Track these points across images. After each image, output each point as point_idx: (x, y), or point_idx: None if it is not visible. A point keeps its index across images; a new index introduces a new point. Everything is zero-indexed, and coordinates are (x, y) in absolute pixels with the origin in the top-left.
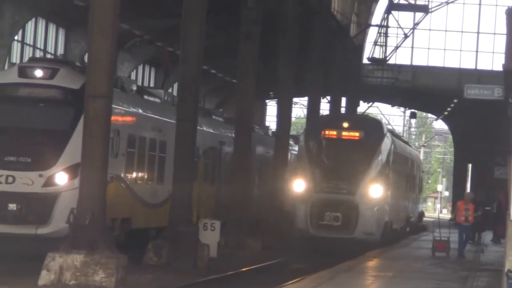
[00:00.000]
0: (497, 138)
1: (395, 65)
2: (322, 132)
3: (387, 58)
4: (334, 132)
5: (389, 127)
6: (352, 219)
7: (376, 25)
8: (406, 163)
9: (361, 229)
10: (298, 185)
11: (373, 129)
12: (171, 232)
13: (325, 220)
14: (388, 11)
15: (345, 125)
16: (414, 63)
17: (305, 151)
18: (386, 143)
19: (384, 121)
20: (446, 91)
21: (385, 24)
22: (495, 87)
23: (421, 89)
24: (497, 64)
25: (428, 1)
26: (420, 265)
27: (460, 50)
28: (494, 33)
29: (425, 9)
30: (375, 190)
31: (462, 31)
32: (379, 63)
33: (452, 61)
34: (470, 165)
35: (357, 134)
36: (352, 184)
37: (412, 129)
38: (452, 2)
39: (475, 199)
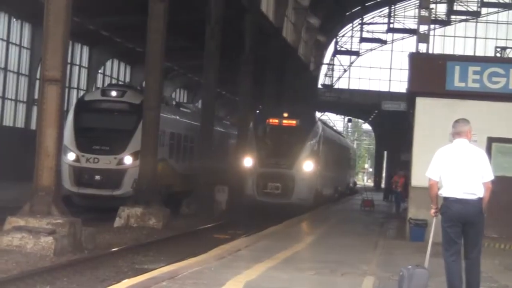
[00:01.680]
0: (403, 134)
1: (338, 89)
2: (267, 120)
3: (333, 84)
4: (276, 120)
5: (334, 127)
6: (289, 188)
7: (326, 64)
8: (336, 146)
9: (296, 195)
10: (248, 162)
11: (306, 118)
12: (197, 193)
13: (268, 189)
14: (334, 54)
15: (285, 114)
16: (350, 87)
17: (253, 135)
18: (317, 129)
19: (329, 122)
20: (371, 105)
21: (332, 62)
22: (401, 102)
23: (355, 104)
24: (402, 88)
25: (359, 49)
26: (353, 215)
27: (379, 80)
28: (401, 69)
29: (357, 53)
30: (307, 165)
31: (380, 67)
32: (328, 87)
33: (374, 86)
34: (385, 152)
35: (294, 121)
36: (290, 160)
37: (349, 129)
38: (375, 49)
39: (401, 174)
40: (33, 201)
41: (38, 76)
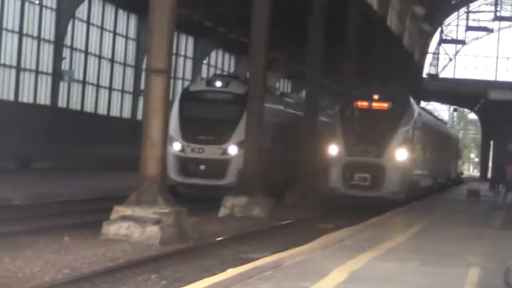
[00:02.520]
0: (511, 124)
1: (443, 78)
2: (355, 103)
3: (438, 73)
4: (365, 103)
5: (439, 116)
6: (379, 179)
7: (431, 53)
8: (435, 133)
9: (388, 188)
10: (332, 150)
11: (399, 100)
12: (301, 183)
13: (355, 180)
14: (439, 43)
15: (375, 97)
16: (456, 76)
17: (339, 120)
18: (411, 113)
19: (434, 111)
20: (477, 94)
21: (437, 51)
22: (508, 91)
23: (461, 93)
24: (510, 77)
25: (464, 37)
26: (458, 205)
27: (486, 68)
28: (508, 57)
29: (463, 42)
30: (400, 153)
31: (487, 56)
32: (433, 77)
33: (480, 75)
34: (492, 142)
35: (385, 105)
36: (380, 148)
37: (454, 119)
38: (481, 37)
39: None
40: (139, 191)
41: (144, 67)
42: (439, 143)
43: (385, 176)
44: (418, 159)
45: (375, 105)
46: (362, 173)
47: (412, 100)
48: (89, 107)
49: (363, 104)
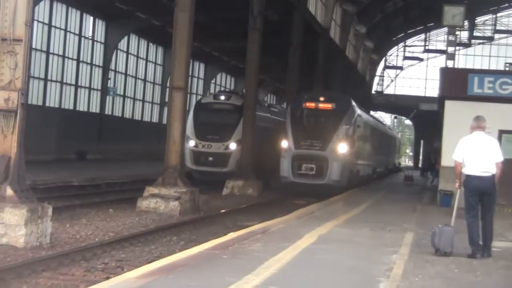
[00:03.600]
0: (435, 127)
1: (386, 94)
2: (303, 104)
3: (383, 91)
4: (313, 104)
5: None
6: (323, 169)
7: (378, 75)
8: (375, 132)
9: (330, 177)
10: (284, 144)
11: (342, 102)
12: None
13: (303, 170)
14: (384, 68)
15: (321, 98)
16: (396, 93)
17: (289, 118)
18: (351, 113)
19: (380, 118)
20: (411, 106)
21: (382, 75)
22: (433, 104)
23: (399, 105)
24: (435, 93)
25: (402, 64)
26: (397, 187)
27: (417, 87)
28: (434, 79)
29: (401, 68)
30: (340, 147)
31: (418, 78)
32: (379, 93)
33: (414, 92)
34: (422, 140)
35: (329, 105)
36: (324, 143)
37: (395, 124)
38: (414, 65)
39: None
40: (164, 176)
41: (168, 85)
42: (379, 139)
43: (328, 166)
44: (358, 152)
45: (320, 105)
46: (308, 164)
47: (353, 103)
48: (127, 114)
49: (310, 104)
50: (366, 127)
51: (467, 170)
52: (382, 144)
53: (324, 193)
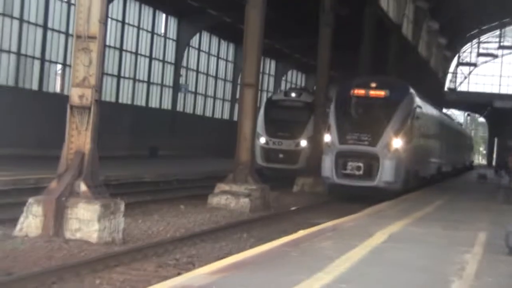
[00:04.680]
0: (510, 125)
1: (459, 91)
2: (352, 91)
3: (456, 88)
4: (362, 91)
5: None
6: (373, 169)
7: (451, 72)
8: (441, 125)
9: (382, 178)
10: (326, 138)
11: (398, 89)
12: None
13: (348, 170)
14: (457, 65)
15: (373, 85)
16: (470, 90)
17: (334, 108)
18: (409, 103)
19: (453, 116)
20: (485, 103)
21: (456, 71)
22: (509, 101)
23: (473, 102)
24: (510, 90)
25: (476, 61)
26: (470, 186)
27: (491, 84)
28: (509, 76)
29: (475, 65)
30: (395, 142)
31: (492, 75)
32: (452, 90)
33: (487, 89)
34: (496, 139)
35: (382, 93)
36: (374, 137)
37: (468, 122)
38: (489, 61)
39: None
40: (235, 173)
41: (239, 82)
42: (446, 135)
43: (378, 165)
44: (416, 149)
45: (372, 93)
46: (354, 162)
47: (411, 90)
48: (198, 111)
49: (360, 91)
50: (429, 120)
51: None
52: (450, 141)
53: (376, 198)
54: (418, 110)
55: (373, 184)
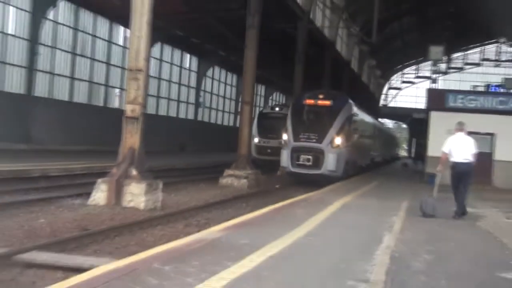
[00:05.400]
0: (424, 129)
1: (389, 107)
2: (304, 101)
3: (387, 104)
4: (312, 101)
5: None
6: (320, 160)
7: (384, 94)
8: (373, 128)
9: (326, 167)
10: (284, 137)
11: (339, 99)
12: None
13: (301, 161)
14: (388, 89)
15: (320, 96)
16: (397, 105)
17: (291, 114)
18: (348, 110)
19: (385, 123)
20: (407, 115)
21: (387, 93)
22: (423, 113)
23: (399, 114)
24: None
25: (400, 86)
26: (397, 171)
27: (411, 102)
28: (423, 96)
29: (400, 89)
30: (336, 140)
31: (411, 95)
32: (384, 106)
33: (409, 105)
34: (414, 139)
35: (328, 102)
36: (320, 136)
37: (395, 127)
38: (409, 86)
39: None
40: (237, 162)
41: (239, 100)
42: (377, 135)
43: (324, 158)
44: (353, 145)
45: (319, 102)
46: (305, 155)
47: (350, 101)
48: (213, 120)
49: (310, 101)
50: (363, 123)
51: (454, 159)
52: (380, 139)
53: (322, 182)
54: (355, 116)
55: (319, 172)
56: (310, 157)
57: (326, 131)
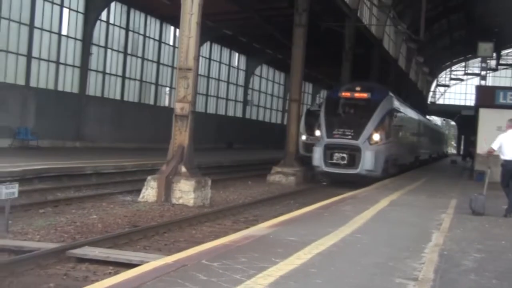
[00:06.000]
0: (473, 126)
1: (438, 104)
2: (340, 94)
3: (436, 101)
4: (348, 93)
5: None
6: (356, 159)
7: (432, 91)
8: (418, 124)
9: (363, 166)
10: (317, 133)
11: (378, 92)
12: None
13: (334, 160)
14: (436, 86)
15: (358, 88)
16: (445, 103)
17: (325, 108)
18: (388, 103)
19: (433, 121)
20: (455, 111)
21: (435, 90)
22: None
23: (447, 111)
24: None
25: (449, 83)
26: (445, 167)
27: (460, 99)
28: (472, 93)
29: (448, 86)
30: (374, 136)
31: (460, 92)
32: (432, 103)
33: (457, 102)
34: (463, 136)
35: (365, 95)
36: (356, 132)
37: (444, 125)
38: (458, 83)
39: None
40: (285, 159)
41: (287, 98)
42: (423, 132)
43: (360, 156)
44: (394, 142)
45: (356, 95)
46: (340, 153)
47: (390, 94)
48: (260, 118)
49: (346, 94)
50: (406, 118)
51: (505, 156)
52: (427, 136)
53: (359, 183)
54: (396, 110)
55: (356, 172)
56: (345, 155)
57: (363, 126)
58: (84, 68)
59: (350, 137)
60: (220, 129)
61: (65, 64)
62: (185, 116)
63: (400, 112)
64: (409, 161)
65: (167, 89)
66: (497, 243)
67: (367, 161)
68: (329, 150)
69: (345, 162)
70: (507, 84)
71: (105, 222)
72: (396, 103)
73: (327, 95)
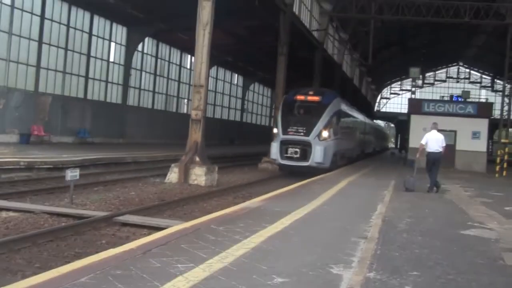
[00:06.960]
0: (406, 128)
1: (381, 111)
2: (294, 97)
3: (380, 109)
4: (302, 97)
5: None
6: (307, 153)
7: (377, 102)
8: (362, 124)
9: (313, 159)
10: (275, 130)
11: (328, 96)
12: None
13: (289, 154)
14: (380, 98)
15: (311, 92)
16: (387, 111)
17: (281, 109)
18: (335, 105)
19: (378, 123)
20: (394, 117)
21: (379, 101)
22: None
23: (388, 116)
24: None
25: (389, 96)
26: (386, 158)
27: (397, 108)
28: (406, 104)
29: (388, 98)
30: (323, 133)
31: (397, 103)
32: (378, 111)
33: (396, 110)
34: (399, 134)
35: (316, 98)
36: (308, 129)
37: (385, 126)
38: (395, 96)
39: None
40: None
41: (273, 106)
42: (367, 130)
43: (311, 150)
44: (341, 138)
45: (309, 98)
46: (293, 148)
47: (338, 97)
48: (253, 121)
49: (301, 97)
50: (352, 119)
51: (428, 149)
52: (371, 134)
53: (311, 173)
54: (343, 111)
55: (307, 164)
56: (298, 149)
57: (314, 124)
58: (125, 85)
59: (302, 134)
60: (224, 130)
61: (112, 83)
62: (199, 120)
63: (347, 113)
64: (356, 154)
65: (185, 100)
66: (422, 211)
67: (317, 155)
68: (284, 145)
69: (298, 155)
70: (430, 97)
71: (141, 197)
72: (344, 106)
73: (284, 98)
